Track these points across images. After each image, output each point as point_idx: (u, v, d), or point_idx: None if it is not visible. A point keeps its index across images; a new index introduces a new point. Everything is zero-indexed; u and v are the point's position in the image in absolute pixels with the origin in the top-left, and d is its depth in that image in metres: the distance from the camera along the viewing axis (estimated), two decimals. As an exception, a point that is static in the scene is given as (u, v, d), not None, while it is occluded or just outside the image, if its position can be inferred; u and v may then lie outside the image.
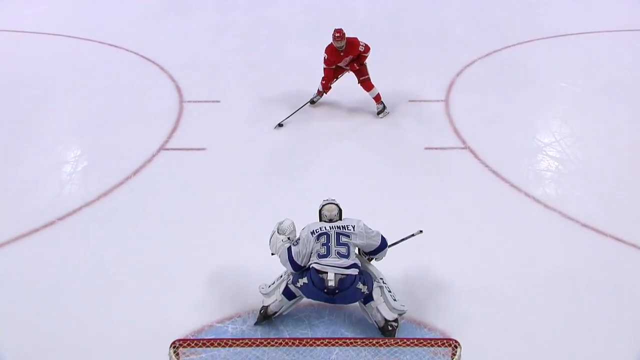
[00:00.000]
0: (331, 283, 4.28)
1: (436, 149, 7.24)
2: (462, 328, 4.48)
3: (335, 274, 4.29)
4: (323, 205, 4.74)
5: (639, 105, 8.21)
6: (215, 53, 9.91)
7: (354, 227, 4.51)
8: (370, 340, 3.36)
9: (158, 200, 6.34)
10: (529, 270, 5.33)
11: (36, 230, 5.85)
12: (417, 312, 4.80)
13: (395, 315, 4.49)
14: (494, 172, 6.76)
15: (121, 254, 5.55)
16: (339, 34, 7.23)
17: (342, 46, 7.30)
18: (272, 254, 4.67)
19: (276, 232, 4.67)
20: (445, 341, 3.27)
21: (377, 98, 7.80)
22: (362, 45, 7.39)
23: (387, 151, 7.26)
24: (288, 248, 4.51)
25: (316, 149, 7.31)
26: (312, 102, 7.99)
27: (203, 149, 7.20)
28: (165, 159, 7.03)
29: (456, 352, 3.19)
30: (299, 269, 4.45)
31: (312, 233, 4.48)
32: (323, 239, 4.43)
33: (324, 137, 7.54)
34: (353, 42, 7.37)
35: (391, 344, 3.33)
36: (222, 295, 5.00)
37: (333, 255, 4.37)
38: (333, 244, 4.42)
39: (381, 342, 3.32)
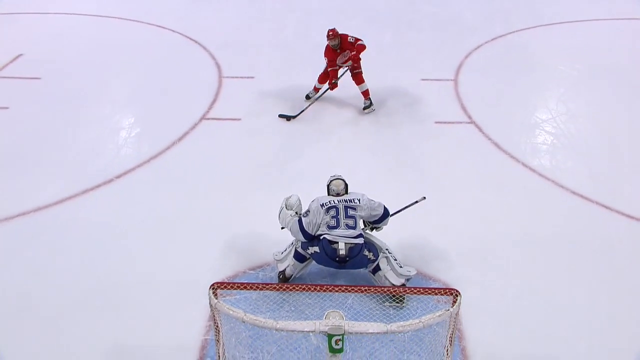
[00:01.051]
0: (342, 252, 4.26)
1: (445, 123, 7.20)
2: (462, 282, 4.49)
3: (345, 243, 4.29)
4: (331, 181, 4.63)
5: (628, 88, 8.06)
6: (250, 34, 9.92)
7: (359, 201, 4.46)
8: (382, 289, 3.40)
9: (199, 162, 6.40)
10: (523, 233, 5.32)
11: (98, 186, 5.97)
12: (423, 268, 4.83)
13: (403, 281, 4.44)
14: (495, 144, 6.73)
15: (168, 209, 5.63)
16: (332, 32, 6.99)
17: (337, 44, 7.03)
18: (282, 228, 4.62)
19: (284, 207, 4.62)
20: (447, 290, 3.27)
21: (366, 93, 7.41)
22: (352, 37, 7.07)
23: (401, 124, 7.21)
24: (299, 220, 4.44)
25: (336, 119, 7.31)
26: (307, 97, 7.67)
27: (238, 119, 7.23)
28: (205, 127, 7.09)
29: (457, 300, 3.20)
30: (310, 238, 4.41)
31: (322, 206, 4.41)
32: (333, 212, 4.37)
33: (342, 111, 7.49)
34: (345, 37, 7.09)
35: (400, 292, 3.36)
36: (254, 247, 5.05)
37: (342, 227, 4.34)
38: (342, 216, 4.36)
39: (390, 290, 3.35)
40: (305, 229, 4.38)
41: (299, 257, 4.52)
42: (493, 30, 9.86)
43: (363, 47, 7.05)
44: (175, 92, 7.93)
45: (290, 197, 4.67)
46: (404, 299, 4.28)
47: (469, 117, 7.30)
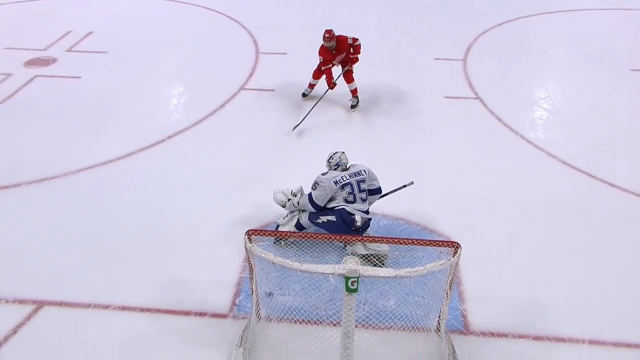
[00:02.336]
0: (358, 224, 4.21)
1: (453, 97, 7.04)
2: (462, 236, 4.42)
3: (361, 217, 4.24)
4: (337, 155, 4.36)
5: (619, 72, 7.76)
6: (283, 15, 9.72)
7: (365, 172, 4.34)
8: (392, 239, 3.39)
9: (238, 127, 6.39)
10: (518, 197, 5.25)
11: (152, 145, 6.02)
12: (429, 223, 4.82)
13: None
14: (498, 118, 6.58)
15: (211, 166, 5.67)
16: (328, 34, 6.10)
17: (332, 45, 6.16)
18: (283, 206, 4.51)
19: (292, 199, 4.44)
20: (449, 243, 3.26)
21: (354, 92, 6.66)
22: (350, 38, 6.26)
23: (414, 98, 7.06)
24: (308, 195, 4.31)
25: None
26: (303, 95, 6.92)
27: (272, 89, 7.16)
28: (244, 97, 7.04)
29: (457, 251, 3.19)
30: (320, 209, 4.28)
31: (336, 183, 4.21)
32: (348, 189, 4.22)
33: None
34: (342, 39, 6.23)
35: (408, 243, 3.33)
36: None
37: (358, 201, 4.26)
38: (356, 191, 4.25)
39: (401, 241, 3.34)
40: (316, 201, 4.26)
41: (300, 227, 4.45)
42: (500, 16, 9.51)
43: (359, 47, 6.37)
44: (218, 65, 7.85)
45: (291, 190, 4.54)
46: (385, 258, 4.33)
47: (475, 93, 7.12)
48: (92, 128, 6.37)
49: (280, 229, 4.56)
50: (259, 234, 3.33)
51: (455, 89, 7.22)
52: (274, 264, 3.08)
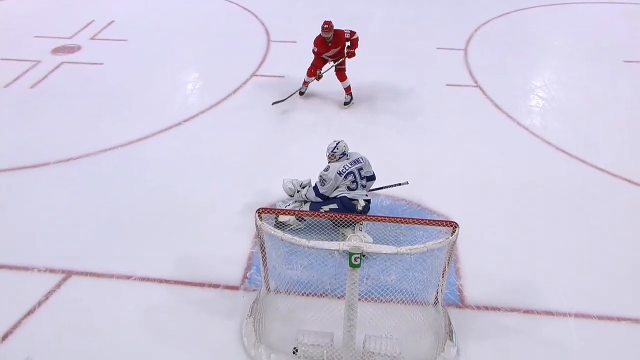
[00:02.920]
0: (360, 208, 4.20)
1: (454, 85, 6.93)
2: (461, 216, 4.38)
3: (364, 200, 4.22)
4: (342, 144, 4.26)
5: (613, 63, 7.56)
6: (293, 7, 9.54)
7: (362, 159, 4.29)
8: (395, 218, 3.37)
9: (250, 110, 6.32)
10: (514, 180, 5.18)
11: (169, 128, 5.99)
12: (430, 204, 4.79)
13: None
14: (496, 105, 6.47)
15: (223, 148, 5.63)
16: (327, 25, 5.72)
17: (330, 37, 5.79)
18: (291, 196, 4.54)
19: (300, 191, 4.47)
20: (448, 222, 3.23)
21: (348, 89, 6.25)
22: (348, 32, 5.88)
23: (417, 85, 6.94)
24: (314, 189, 4.29)
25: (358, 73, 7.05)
26: (300, 93, 6.46)
27: (282, 76, 7.05)
28: (255, 83, 6.95)
29: (455, 230, 3.16)
30: (325, 199, 4.28)
31: (340, 173, 4.18)
32: (351, 177, 4.20)
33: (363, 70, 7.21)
34: (340, 34, 5.84)
35: (409, 222, 3.30)
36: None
37: (360, 188, 4.25)
38: (358, 179, 4.23)
39: (402, 220, 3.32)
40: (322, 192, 4.24)
41: (300, 218, 4.38)
42: (501, 8, 9.27)
43: (357, 40, 5.99)
44: (231, 53, 7.76)
45: (301, 183, 4.55)
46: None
47: (475, 81, 6.99)
48: (113, 111, 6.34)
49: (279, 217, 4.40)
50: (268, 212, 3.33)
51: (456, 77, 7.09)
52: (282, 240, 3.08)
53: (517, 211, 4.80)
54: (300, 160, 5.32)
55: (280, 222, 4.34)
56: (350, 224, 4.15)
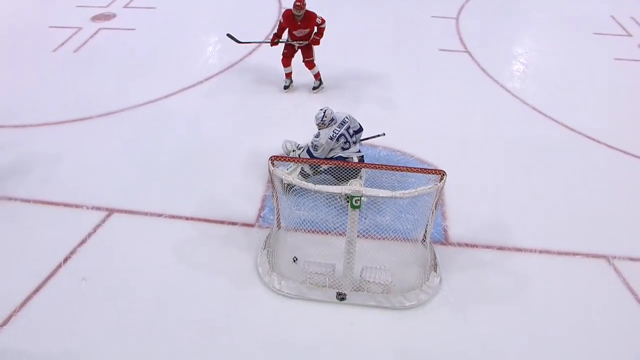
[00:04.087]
0: (356, 161, 3.91)
1: (446, 50, 6.49)
2: (448, 166, 4.16)
3: (357, 157, 3.98)
4: (329, 111, 3.89)
5: (589, 32, 7.03)
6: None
7: (348, 118, 3.94)
8: (390, 167, 3.21)
9: (261, 72, 5.95)
10: (496, 137, 4.93)
11: (193, 85, 5.73)
12: (421, 155, 4.60)
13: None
14: (483, 69, 6.07)
15: (240, 104, 5.38)
16: (299, 2, 4.81)
17: (301, 15, 4.87)
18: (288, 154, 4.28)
19: (296, 151, 4.18)
20: (436, 171, 3.09)
21: (317, 75, 5.41)
22: (319, 18, 4.96)
23: (412, 49, 6.52)
24: (307, 152, 3.97)
25: (354, 44, 6.62)
26: (285, 87, 5.51)
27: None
28: (265, 48, 6.42)
29: (443, 178, 3.05)
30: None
31: (331, 138, 3.85)
32: (343, 139, 3.89)
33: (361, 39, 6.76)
34: (311, 15, 4.92)
35: (403, 170, 3.15)
36: (300, 134, 4.68)
37: (352, 146, 3.96)
38: (349, 139, 3.92)
39: (397, 168, 3.17)
40: (315, 156, 3.93)
41: (304, 175, 4.10)
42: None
43: (324, 30, 5.06)
44: (247, 20, 7.28)
45: (298, 145, 4.26)
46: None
47: (465, 47, 6.55)
48: (144, 71, 6.06)
49: (284, 178, 4.17)
50: (280, 159, 3.22)
51: (448, 44, 6.65)
52: (292, 184, 2.96)
53: (496, 163, 4.60)
54: (304, 118, 5.03)
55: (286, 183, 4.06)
56: (353, 177, 3.95)
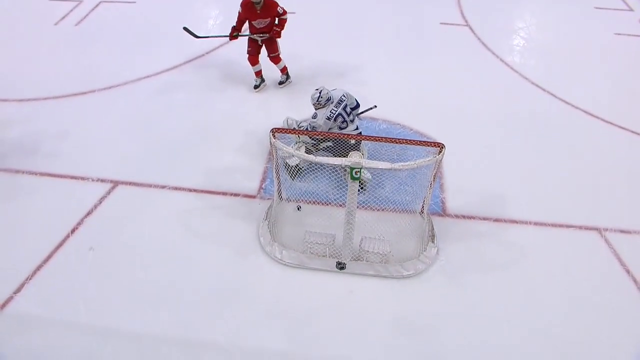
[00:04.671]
0: (353, 141, 3.70)
1: (448, 24, 6.27)
2: (446, 138, 4.04)
3: (355, 136, 3.76)
4: (325, 91, 3.69)
5: (590, 7, 6.75)
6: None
7: (345, 96, 3.75)
8: (390, 139, 3.10)
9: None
10: (495, 110, 4.80)
11: (194, 59, 5.55)
12: (421, 127, 4.48)
13: None
14: (483, 43, 5.88)
15: (244, 77, 5.16)
16: None
17: (260, 3, 4.36)
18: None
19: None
20: (435, 144, 2.99)
21: (284, 70, 4.98)
22: (281, 8, 4.48)
23: (415, 22, 6.30)
24: (305, 129, 3.82)
25: (355, 19, 6.35)
26: (255, 87, 5.00)
27: (293, 12, 6.14)
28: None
29: (441, 150, 2.96)
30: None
31: (329, 118, 3.67)
32: (340, 119, 3.71)
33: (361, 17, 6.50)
34: (272, 4, 4.44)
35: (402, 142, 3.06)
36: (302, 108, 4.56)
37: (349, 125, 3.79)
38: (347, 117, 3.74)
39: (397, 141, 3.07)
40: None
41: (307, 152, 3.93)
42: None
43: (285, 22, 4.58)
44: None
45: (291, 121, 4.08)
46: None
47: (466, 21, 6.32)
48: (145, 45, 5.84)
49: (287, 161, 3.86)
50: (280, 131, 3.13)
51: (449, 17, 6.40)
52: (293, 155, 2.86)
53: (494, 136, 4.49)
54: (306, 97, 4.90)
55: (293, 166, 3.88)
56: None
